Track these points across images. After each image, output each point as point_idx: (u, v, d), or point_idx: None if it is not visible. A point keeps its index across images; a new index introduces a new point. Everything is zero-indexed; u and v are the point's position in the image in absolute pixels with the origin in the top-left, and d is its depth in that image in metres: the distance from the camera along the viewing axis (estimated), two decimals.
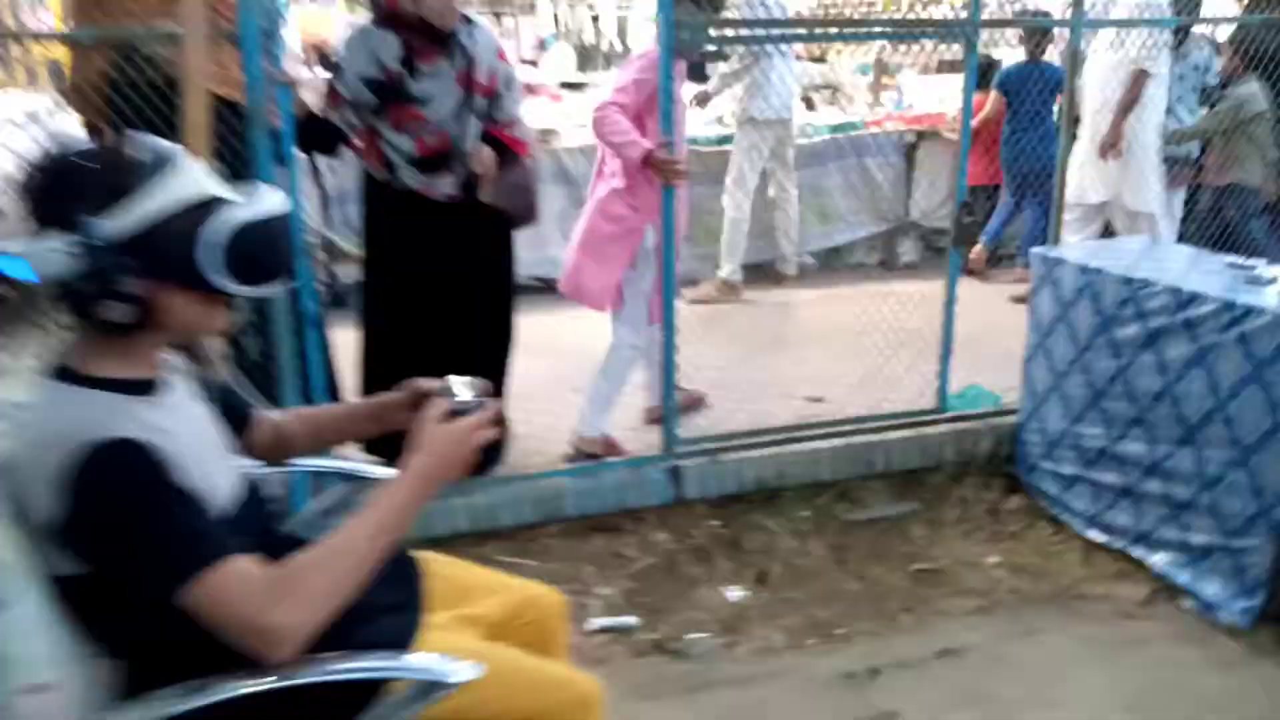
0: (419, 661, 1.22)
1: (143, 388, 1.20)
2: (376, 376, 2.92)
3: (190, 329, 1.24)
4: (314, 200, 4.32)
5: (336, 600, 1.16)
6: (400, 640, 1.33)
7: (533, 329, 3.26)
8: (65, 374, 1.16)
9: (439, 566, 1.56)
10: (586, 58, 7.16)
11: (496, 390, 2.98)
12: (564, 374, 3.58)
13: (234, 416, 1.44)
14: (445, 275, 2.82)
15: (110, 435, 1.09)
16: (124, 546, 1.09)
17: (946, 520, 3.02)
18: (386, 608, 1.39)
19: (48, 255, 1.09)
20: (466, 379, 1.41)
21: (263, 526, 1.35)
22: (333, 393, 2.90)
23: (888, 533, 2.96)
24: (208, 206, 1.16)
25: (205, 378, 1.42)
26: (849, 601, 2.62)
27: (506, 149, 2.81)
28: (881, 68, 6.22)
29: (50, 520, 1.08)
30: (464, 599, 1.52)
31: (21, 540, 1.09)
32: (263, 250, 1.19)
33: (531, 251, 5.18)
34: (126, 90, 2.32)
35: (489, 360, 2.95)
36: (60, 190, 1.10)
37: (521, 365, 3.13)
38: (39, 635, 1.07)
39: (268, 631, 1.09)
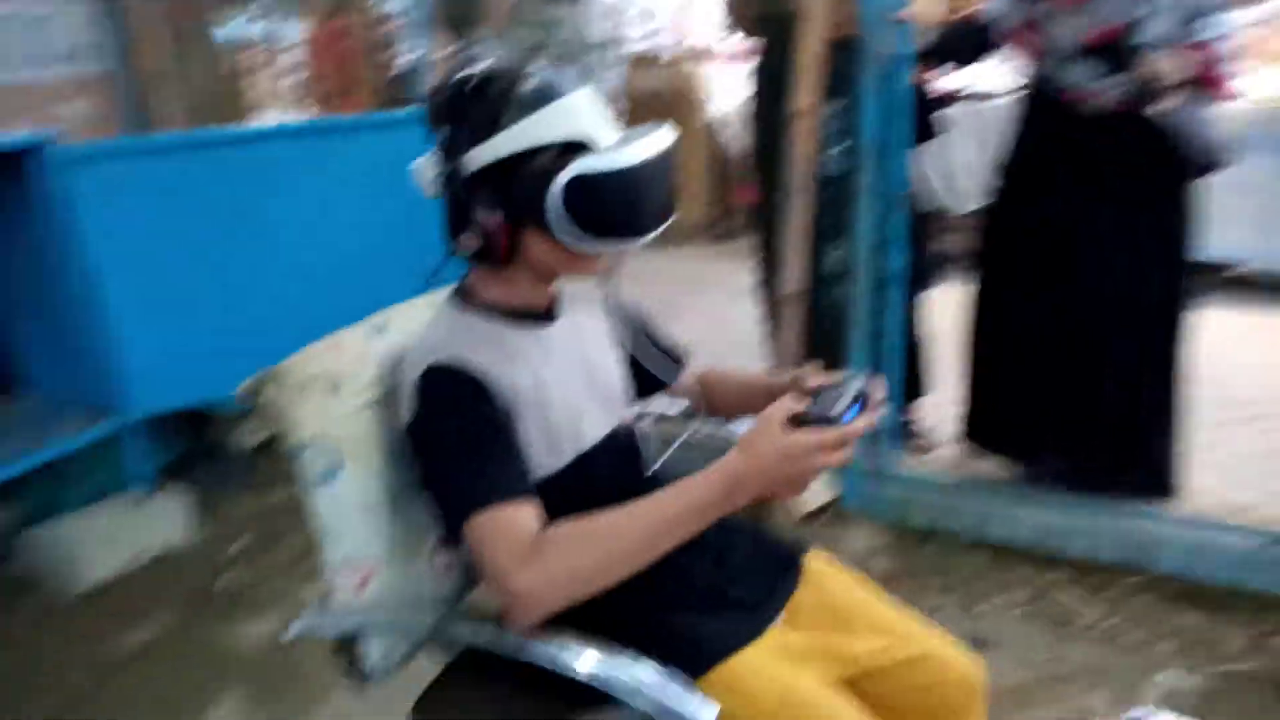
0: (648, 686, 1.03)
1: (523, 317, 1.22)
2: (983, 338, 2.59)
3: (554, 271, 1.20)
4: (977, 142, 4.04)
5: (591, 583, 1.06)
6: (716, 644, 1.18)
7: None
8: (459, 293, 1.23)
9: (828, 578, 1.34)
10: None
11: (1150, 405, 2.41)
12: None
13: (655, 361, 1.40)
14: (1083, 212, 2.32)
15: (449, 360, 1.13)
16: (430, 464, 1.14)
17: None
18: (731, 601, 1.25)
19: (426, 175, 1.15)
20: (861, 378, 1.15)
21: (624, 470, 1.29)
22: (912, 360, 2.70)
23: None
24: (570, 150, 1.10)
25: (628, 318, 1.41)
26: None
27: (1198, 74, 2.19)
28: None
29: (405, 420, 1.17)
30: (840, 627, 1.28)
31: (376, 428, 1.21)
32: (601, 205, 1.09)
33: None
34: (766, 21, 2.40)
35: (1123, 353, 2.38)
36: (444, 113, 1.13)
37: None
38: (359, 515, 1.18)
39: (508, 592, 1.04)
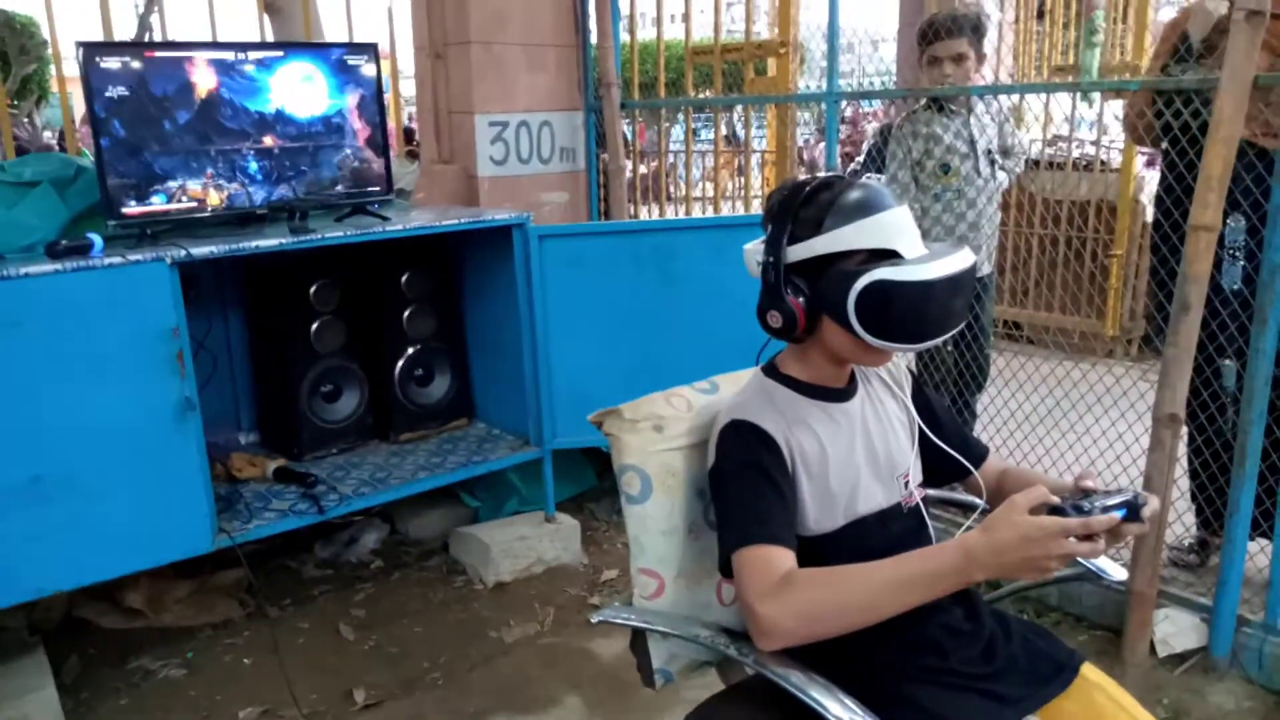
0: None
1: (817, 392, 1.39)
2: None
3: (845, 358, 1.36)
4: None
5: (825, 621, 1.19)
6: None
7: None
8: (769, 366, 1.45)
9: (1100, 694, 1.34)
10: None
11: None
12: None
13: (951, 451, 1.49)
14: None
15: (748, 417, 1.33)
16: (718, 503, 1.35)
17: None
18: (984, 691, 1.30)
19: (753, 259, 1.37)
20: (1135, 491, 1.18)
21: (904, 544, 1.35)
22: None
23: None
24: (876, 257, 1.26)
25: (929, 407, 1.52)
26: None
27: None
28: None
29: (710, 465, 1.40)
30: None
31: (687, 466, 1.45)
32: (890, 310, 1.23)
33: None
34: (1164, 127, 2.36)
35: None
36: (779, 210, 1.34)
37: None
38: (660, 534, 1.42)
39: (755, 617, 1.21)
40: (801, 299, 1.32)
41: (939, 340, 1.31)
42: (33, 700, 2.27)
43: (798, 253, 1.31)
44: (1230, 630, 2.33)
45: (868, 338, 1.26)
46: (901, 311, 1.25)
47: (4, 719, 2.22)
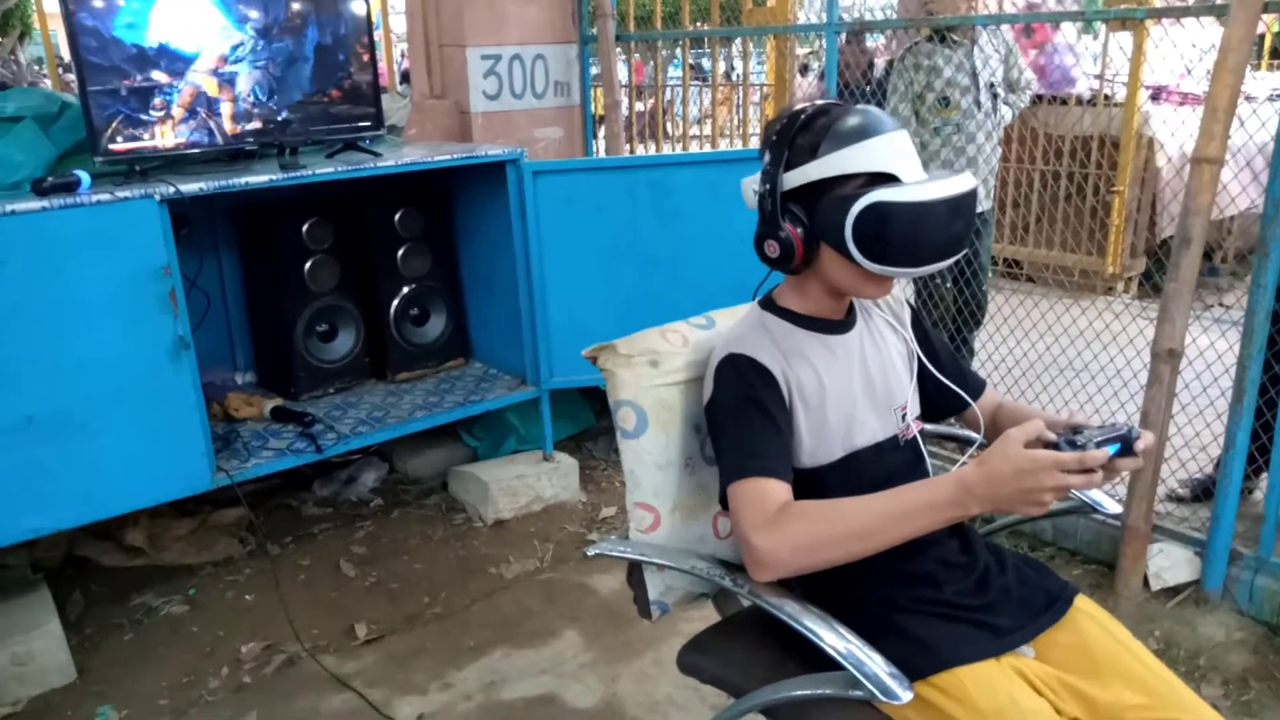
0: (858, 659, 1.15)
1: (815, 324, 1.38)
2: None
3: (845, 288, 1.34)
4: None
5: (820, 552, 1.19)
6: (946, 652, 1.25)
7: None
8: (765, 299, 1.43)
9: (1093, 623, 1.34)
10: None
11: None
12: None
13: (949, 385, 1.48)
14: None
15: (744, 350, 1.32)
16: (715, 436, 1.34)
17: None
18: (978, 622, 1.31)
19: (749, 190, 1.35)
20: (1130, 427, 1.17)
21: (900, 477, 1.34)
22: None
23: None
24: (875, 181, 1.23)
25: (927, 341, 1.50)
26: None
27: None
28: None
29: (705, 399, 1.39)
30: (1093, 673, 1.28)
31: (683, 401, 1.44)
32: (888, 233, 1.21)
33: None
34: None
35: None
36: (776, 138, 1.30)
37: None
38: (655, 468, 1.41)
39: (751, 549, 1.21)
40: (799, 227, 1.29)
41: (939, 266, 1.29)
42: (38, 636, 2.30)
43: (794, 180, 1.29)
44: (1223, 564, 2.35)
45: (865, 263, 1.24)
46: (899, 234, 1.23)
47: (10, 654, 2.24)
